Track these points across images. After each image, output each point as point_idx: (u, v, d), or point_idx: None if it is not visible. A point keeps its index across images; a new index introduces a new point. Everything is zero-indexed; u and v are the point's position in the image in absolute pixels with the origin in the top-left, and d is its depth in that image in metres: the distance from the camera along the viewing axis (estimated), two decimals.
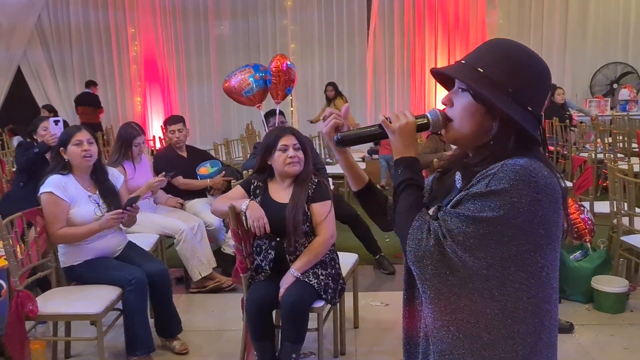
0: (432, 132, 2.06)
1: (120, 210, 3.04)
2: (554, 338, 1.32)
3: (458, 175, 1.36)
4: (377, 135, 1.41)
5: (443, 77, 1.40)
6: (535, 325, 1.25)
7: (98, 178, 3.25)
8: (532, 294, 1.23)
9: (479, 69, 1.27)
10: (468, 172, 1.30)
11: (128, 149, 4.20)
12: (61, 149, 3.19)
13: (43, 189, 3.10)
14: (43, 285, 3.55)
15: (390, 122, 1.36)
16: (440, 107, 1.40)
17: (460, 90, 1.31)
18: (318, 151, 6.89)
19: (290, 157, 2.85)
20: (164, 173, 3.95)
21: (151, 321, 3.36)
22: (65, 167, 3.18)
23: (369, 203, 1.60)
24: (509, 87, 1.25)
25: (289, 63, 4.94)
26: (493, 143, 1.28)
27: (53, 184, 3.10)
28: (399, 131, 1.35)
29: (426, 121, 1.36)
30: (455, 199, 1.25)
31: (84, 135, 3.18)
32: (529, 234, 1.19)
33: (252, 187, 2.95)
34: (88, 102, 10.68)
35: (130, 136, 4.21)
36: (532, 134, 1.25)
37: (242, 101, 5.11)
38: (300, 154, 2.88)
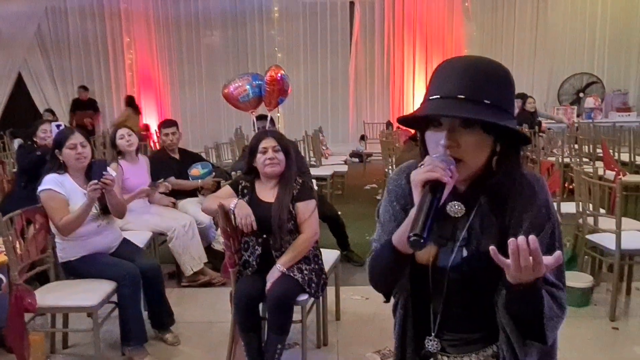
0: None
1: (95, 181, 2.95)
2: None
3: (457, 205, 1.26)
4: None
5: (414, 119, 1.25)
6: None
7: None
8: None
9: (486, 100, 1.15)
10: (498, 200, 1.24)
11: (114, 144, 4.21)
12: (56, 151, 3.18)
13: (41, 187, 3.08)
14: (42, 280, 3.53)
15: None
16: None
17: (461, 127, 1.18)
18: (303, 154, 6.92)
19: (269, 159, 2.87)
20: (161, 180, 3.91)
21: (145, 314, 3.36)
22: (60, 167, 3.16)
23: (398, 267, 1.30)
24: (510, 108, 1.19)
25: (283, 74, 4.99)
26: (502, 165, 1.22)
27: (51, 182, 3.09)
28: None
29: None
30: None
31: (77, 139, 3.17)
32: None
33: (240, 187, 2.96)
34: (86, 107, 10.78)
35: (112, 133, 4.27)
36: (529, 139, 1.27)
37: (238, 106, 5.17)
38: (280, 156, 2.89)
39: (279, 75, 4.94)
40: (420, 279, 1.33)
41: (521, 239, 1.03)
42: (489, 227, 1.24)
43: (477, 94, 1.15)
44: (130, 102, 10.82)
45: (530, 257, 1.04)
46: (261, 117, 5.05)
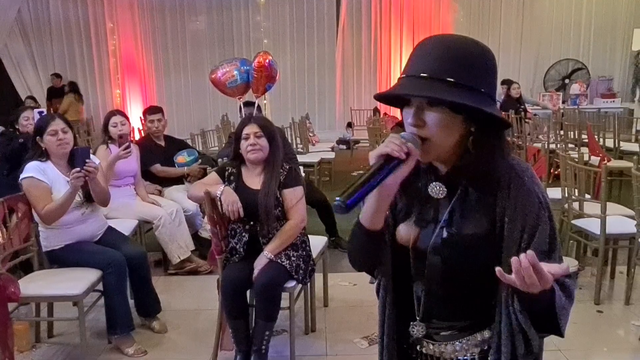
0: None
1: (78, 169, 2.91)
2: None
3: (438, 186, 1.25)
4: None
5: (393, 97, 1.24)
6: None
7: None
8: None
9: (449, 78, 1.12)
10: (479, 184, 1.21)
11: (106, 129, 4.15)
12: (37, 137, 3.12)
13: (23, 174, 3.03)
14: (26, 269, 3.49)
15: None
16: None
17: (427, 105, 1.15)
18: (290, 141, 6.90)
19: (252, 145, 2.84)
20: (127, 144, 3.82)
21: (131, 302, 3.34)
22: (42, 155, 3.11)
23: (372, 245, 1.29)
24: (483, 87, 1.15)
25: (271, 60, 4.94)
26: (477, 148, 1.18)
27: (33, 169, 3.04)
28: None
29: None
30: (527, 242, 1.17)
31: (58, 125, 3.11)
32: None
33: (226, 173, 2.94)
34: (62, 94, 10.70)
35: (107, 117, 4.19)
36: (508, 123, 1.22)
37: (225, 92, 5.12)
38: (263, 142, 2.86)
39: (267, 61, 4.89)
40: (403, 261, 1.31)
41: (523, 257, 1.02)
42: (471, 211, 1.22)
43: (440, 72, 1.12)
44: (73, 88, 10.61)
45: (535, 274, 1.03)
46: (248, 104, 5.01)
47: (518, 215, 1.17)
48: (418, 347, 1.37)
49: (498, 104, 9.25)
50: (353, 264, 1.40)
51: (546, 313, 1.14)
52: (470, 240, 1.20)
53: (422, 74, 1.14)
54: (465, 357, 1.31)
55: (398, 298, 1.36)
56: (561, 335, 1.18)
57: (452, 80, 1.12)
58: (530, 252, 1.02)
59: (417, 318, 1.33)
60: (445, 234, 1.24)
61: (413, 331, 1.34)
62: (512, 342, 1.20)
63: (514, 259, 1.03)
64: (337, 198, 1.07)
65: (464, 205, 1.23)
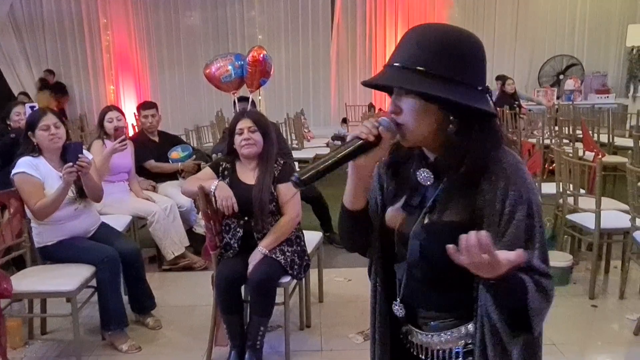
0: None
1: (71, 164, 2.89)
2: None
3: (426, 173, 1.26)
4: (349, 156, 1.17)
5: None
6: None
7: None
8: None
9: (419, 67, 1.14)
10: (461, 173, 1.20)
11: (102, 124, 4.12)
12: (29, 133, 3.09)
13: (15, 170, 3.00)
14: (19, 265, 3.46)
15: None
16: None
17: (404, 93, 1.18)
18: (285, 137, 6.88)
19: (245, 140, 2.83)
20: (122, 137, 3.79)
21: (125, 298, 3.32)
22: (34, 150, 3.08)
23: (356, 225, 1.34)
24: (458, 76, 1.14)
25: (265, 55, 4.92)
26: (460, 138, 1.18)
27: (25, 165, 3.01)
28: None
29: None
30: (506, 236, 1.16)
31: (50, 119, 3.08)
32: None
33: (220, 168, 2.92)
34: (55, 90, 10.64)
35: (102, 112, 4.17)
36: (491, 112, 1.19)
37: (220, 87, 5.10)
38: (256, 136, 2.84)
39: (262, 55, 4.87)
40: (390, 245, 1.34)
41: (472, 234, 1.01)
42: (453, 199, 1.23)
43: (412, 62, 1.15)
44: (44, 84, 10.53)
45: (486, 255, 1.01)
46: (242, 99, 5.00)
47: (496, 208, 1.17)
48: (409, 337, 1.39)
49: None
50: (344, 245, 1.44)
51: (519, 311, 1.14)
52: (449, 228, 1.19)
53: (395, 64, 1.17)
54: (451, 349, 1.32)
55: (387, 280, 1.38)
56: (532, 334, 1.18)
57: (422, 69, 1.13)
58: (483, 232, 1.01)
59: (398, 299, 1.35)
60: (426, 220, 1.26)
61: (394, 310, 1.37)
62: (493, 335, 1.20)
63: (462, 236, 1.02)
64: (295, 174, 1.14)
65: (448, 194, 1.24)
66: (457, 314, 1.30)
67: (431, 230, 1.24)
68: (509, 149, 1.23)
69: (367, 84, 1.25)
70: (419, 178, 1.27)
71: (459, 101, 1.13)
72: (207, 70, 5.02)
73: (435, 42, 1.16)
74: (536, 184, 4.02)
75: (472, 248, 1.01)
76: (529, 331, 1.17)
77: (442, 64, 1.14)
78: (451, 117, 1.17)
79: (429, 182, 1.26)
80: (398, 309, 1.36)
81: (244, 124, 2.85)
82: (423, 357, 1.37)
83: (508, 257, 1.04)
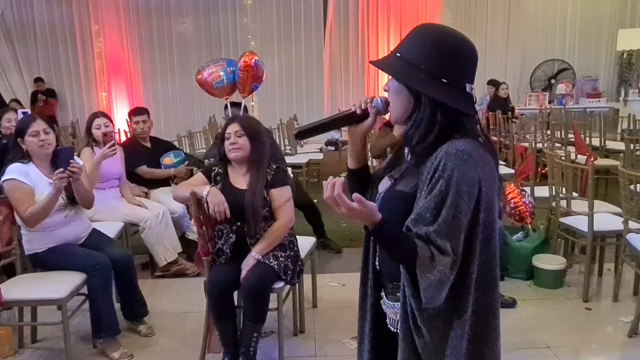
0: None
1: (62, 169, 2.86)
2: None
3: (405, 150, 1.43)
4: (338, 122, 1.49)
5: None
6: (481, 292, 1.31)
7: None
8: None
9: (397, 54, 1.33)
10: (413, 150, 1.36)
11: (89, 131, 4.05)
12: (19, 139, 3.06)
13: (5, 177, 2.97)
14: (9, 272, 3.42)
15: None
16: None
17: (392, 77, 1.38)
18: (278, 142, 6.87)
19: (231, 144, 2.81)
20: (112, 142, 3.76)
21: (117, 305, 3.29)
22: (24, 156, 3.05)
23: (356, 182, 1.58)
24: (423, 64, 1.29)
25: (257, 60, 4.91)
26: (424, 120, 1.31)
27: (14, 171, 2.98)
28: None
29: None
30: (421, 199, 1.29)
31: (40, 125, 3.05)
32: (472, 209, 1.26)
33: (212, 174, 2.90)
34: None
35: (89, 119, 4.09)
36: (460, 109, 1.29)
37: (212, 92, 5.09)
38: (242, 140, 2.81)
39: (253, 61, 4.86)
40: None
41: (329, 178, 1.23)
42: (409, 174, 1.38)
43: (397, 49, 1.34)
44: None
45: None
46: (234, 104, 4.98)
47: (426, 181, 1.29)
48: (383, 309, 1.53)
49: (483, 102, 9.31)
50: None
51: (399, 261, 1.31)
52: (397, 197, 1.38)
53: (396, 53, 1.35)
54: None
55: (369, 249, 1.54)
56: (420, 302, 1.29)
57: (399, 55, 1.33)
58: (337, 179, 1.22)
59: (377, 264, 1.50)
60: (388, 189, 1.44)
61: (369, 279, 1.54)
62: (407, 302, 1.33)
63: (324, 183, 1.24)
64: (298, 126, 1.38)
65: (407, 168, 1.41)
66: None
67: (385, 197, 1.42)
68: (473, 141, 1.29)
69: (374, 64, 1.43)
70: (405, 154, 1.44)
71: (405, 81, 1.32)
72: (199, 76, 5.01)
73: (419, 35, 1.34)
74: (513, 187, 4.03)
75: (328, 190, 1.22)
76: (418, 299, 1.29)
77: (414, 52, 1.31)
78: (419, 104, 1.32)
79: (408, 158, 1.42)
80: (371, 277, 1.52)
81: (232, 128, 2.83)
82: (394, 330, 1.46)
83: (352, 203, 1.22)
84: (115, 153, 3.78)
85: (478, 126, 1.35)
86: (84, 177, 3.12)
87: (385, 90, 1.40)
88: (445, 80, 1.28)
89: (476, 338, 1.30)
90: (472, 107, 1.33)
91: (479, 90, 9.54)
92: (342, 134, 10.75)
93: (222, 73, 4.88)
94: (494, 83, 9.44)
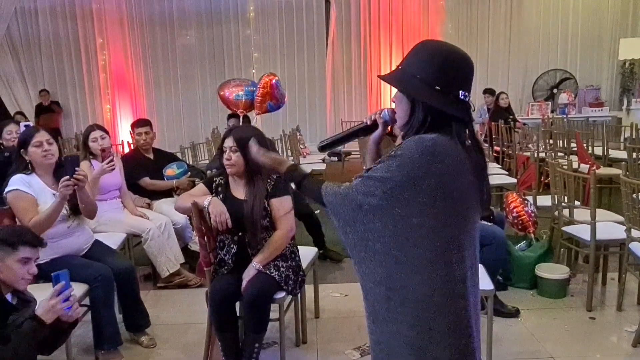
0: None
1: (68, 177, 2.86)
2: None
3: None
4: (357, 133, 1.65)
5: None
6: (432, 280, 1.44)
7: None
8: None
9: (399, 66, 1.48)
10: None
11: (86, 144, 4.04)
12: (22, 150, 3.08)
13: (8, 188, 2.98)
14: None
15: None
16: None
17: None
18: (281, 153, 6.87)
19: (226, 160, 2.81)
20: (110, 158, 3.76)
21: (119, 317, 3.28)
22: (27, 167, 3.06)
23: None
24: (419, 74, 1.42)
25: (278, 81, 5.05)
26: (413, 122, 1.45)
27: (17, 182, 2.99)
28: None
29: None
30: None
31: (43, 136, 3.06)
32: (418, 194, 1.38)
33: (214, 184, 2.90)
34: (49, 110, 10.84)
35: (86, 132, 4.09)
36: (453, 114, 1.41)
37: (229, 105, 5.24)
38: (236, 157, 2.77)
39: (274, 80, 5.00)
40: None
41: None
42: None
43: (400, 63, 1.49)
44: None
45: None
46: (232, 116, 5.02)
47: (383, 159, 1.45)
48: None
49: (482, 113, 9.33)
50: None
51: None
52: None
53: (399, 66, 1.50)
54: None
55: None
56: (323, 205, 1.59)
57: (400, 68, 1.49)
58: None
59: None
60: None
61: None
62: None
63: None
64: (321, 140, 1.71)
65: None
66: None
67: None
68: (449, 139, 1.41)
69: (381, 77, 1.57)
70: None
71: (420, 98, 1.42)
72: (221, 92, 5.10)
73: (418, 48, 1.49)
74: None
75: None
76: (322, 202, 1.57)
77: (412, 63, 1.46)
78: (416, 109, 1.45)
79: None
80: None
81: (227, 143, 2.82)
82: None
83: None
84: (114, 169, 3.77)
85: (469, 132, 1.46)
86: (87, 188, 3.13)
87: (393, 102, 1.52)
88: (438, 88, 1.41)
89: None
90: (465, 112, 1.44)
91: (478, 100, 9.54)
92: (344, 146, 10.77)
93: (244, 88, 5.04)
94: (491, 92, 9.45)
